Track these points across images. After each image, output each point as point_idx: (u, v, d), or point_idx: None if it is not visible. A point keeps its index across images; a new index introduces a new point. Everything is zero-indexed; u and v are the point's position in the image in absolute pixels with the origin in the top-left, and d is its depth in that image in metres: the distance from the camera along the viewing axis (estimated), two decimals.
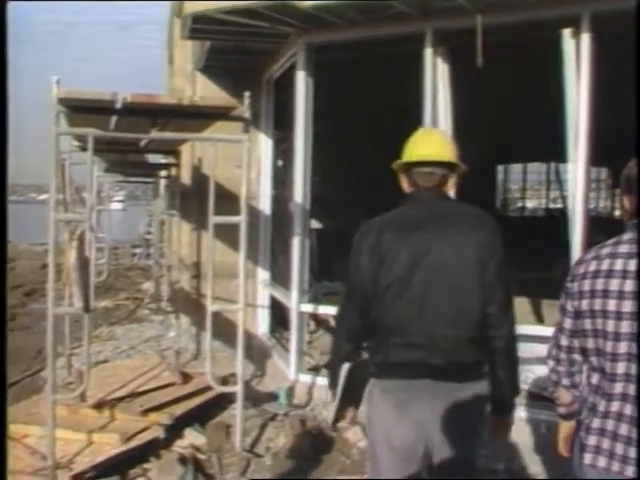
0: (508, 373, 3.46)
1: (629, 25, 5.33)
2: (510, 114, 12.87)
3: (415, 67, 6.85)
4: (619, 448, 2.91)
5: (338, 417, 3.73)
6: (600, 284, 2.97)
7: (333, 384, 3.63)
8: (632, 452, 2.86)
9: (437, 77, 6.83)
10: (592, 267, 3.03)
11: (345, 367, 3.54)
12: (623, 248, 2.96)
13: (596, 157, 6.62)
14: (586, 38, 6.09)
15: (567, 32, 6.10)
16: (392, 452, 3.50)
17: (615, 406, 2.95)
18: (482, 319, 3.38)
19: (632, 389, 2.88)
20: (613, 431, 2.94)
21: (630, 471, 2.85)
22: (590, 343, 3.05)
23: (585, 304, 3.03)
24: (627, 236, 2.99)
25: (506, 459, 5.62)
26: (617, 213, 33.59)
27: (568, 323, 3.16)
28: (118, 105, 5.76)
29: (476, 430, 3.52)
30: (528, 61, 7.36)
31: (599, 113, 6.21)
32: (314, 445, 6.12)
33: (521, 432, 5.93)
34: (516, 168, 32.32)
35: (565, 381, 3.23)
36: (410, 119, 7.21)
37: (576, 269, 3.13)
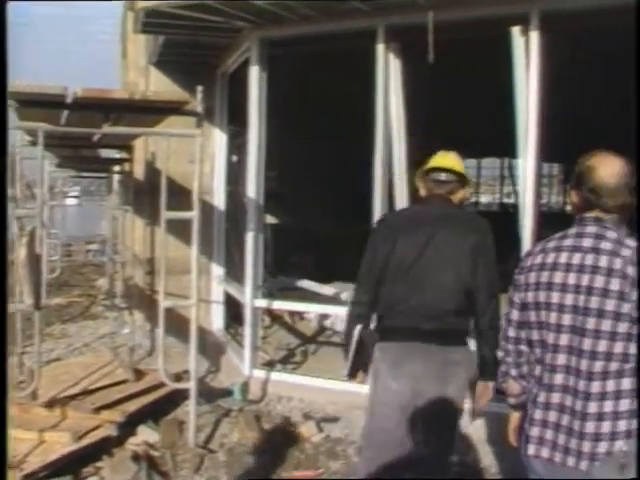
0: (491, 346, 3.86)
1: (578, 23, 5.45)
2: (464, 110, 12.97)
3: (368, 62, 6.88)
4: (561, 439, 2.97)
5: (351, 375, 4.37)
6: (545, 277, 3.04)
7: (347, 346, 4.29)
8: (573, 443, 2.92)
9: (389, 72, 6.87)
10: (538, 260, 3.10)
11: (357, 332, 4.21)
12: (568, 242, 3.03)
13: (548, 153, 6.72)
14: (535, 36, 6.17)
15: (516, 30, 6.18)
16: (388, 404, 4.14)
17: (556, 397, 3.00)
18: (467, 299, 4.10)
19: (572, 381, 2.94)
20: (555, 422, 3.00)
21: (571, 462, 2.91)
22: (535, 335, 3.11)
23: (531, 296, 3.10)
24: (572, 230, 3.06)
25: (460, 452, 5.66)
26: (569, 208, 34.11)
27: (515, 315, 3.22)
28: (68, 99, 5.70)
29: (460, 388, 4.17)
30: (480, 57, 7.44)
31: (550, 110, 6.30)
32: (268, 440, 6.13)
33: (475, 425, 6.03)
34: (470, 163, 32.69)
35: (513, 372, 3.28)
36: (363, 114, 7.26)
37: (524, 262, 3.21)
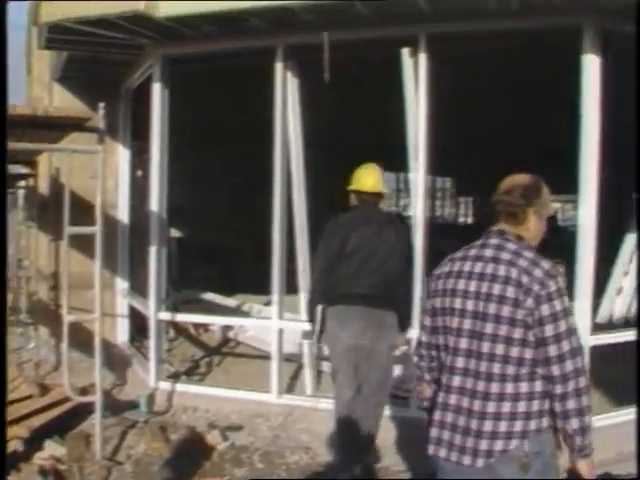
0: (405, 307, 5.85)
1: (462, 46, 5.77)
2: (361, 127, 13.25)
3: (268, 80, 7.09)
4: (457, 439, 3.13)
5: (319, 341, 5.84)
6: (451, 284, 3.23)
7: (311, 319, 5.78)
8: (470, 442, 3.08)
9: (287, 90, 7.12)
10: (447, 268, 3.31)
11: (319, 309, 5.69)
12: (473, 252, 3.24)
13: (440, 168, 7.03)
14: (423, 57, 6.51)
15: (406, 51, 6.50)
16: (339, 350, 5.53)
17: (453, 399, 3.17)
18: (396, 276, 5.59)
19: (470, 383, 3.11)
20: (452, 423, 3.16)
21: (467, 460, 3.07)
22: (441, 339, 3.29)
23: (439, 302, 3.29)
24: (479, 241, 3.27)
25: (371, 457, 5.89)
26: (461, 220, 35.03)
27: (428, 321, 3.39)
28: None
29: (390, 336, 5.59)
30: (375, 76, 7.73)
31: (440, 127, 6.62)
32: (175, 450, 6.23)
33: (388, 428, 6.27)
34: None
35: (426, 376, 3.45)
36: (263, 131, 7.45)
37: (436, 270, 3.40)
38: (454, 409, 3.17)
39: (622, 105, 6.48)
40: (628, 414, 6.50)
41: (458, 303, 3.18)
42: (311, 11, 6.30)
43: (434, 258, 5.56)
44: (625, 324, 8.58)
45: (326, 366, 8.03)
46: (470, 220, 32.82)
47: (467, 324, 3.14)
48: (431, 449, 3.24)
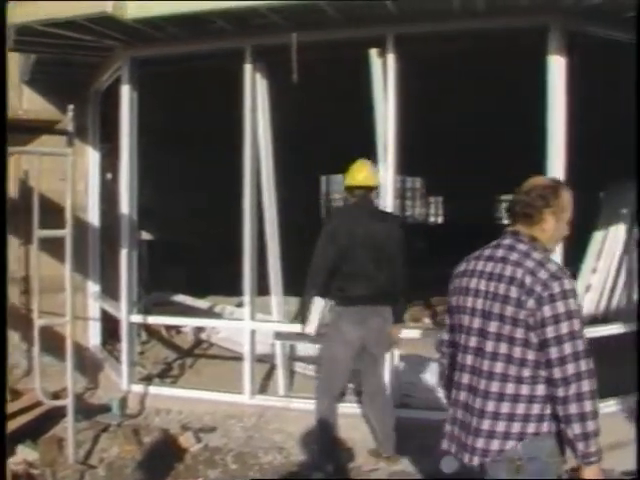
0: (402, 301, 6.04)
1: (430, 47, 5.83)
2: (330, 127, 13.29)
3: (237, 82, 7.11)
4: (463, 436, 3.20)
5: (309, 330, 6.16)
6: (465, 282, 3.29)
7: (305, 311, 6.00)
8: (470, 440, 3.15)
9: (256, 91, 7.15)
10: (463, 267, 3.37)
11: (312, 302, 6.02)
12: (487, 252, 3.29)
13: (409, 167, 7.09)
14: (391, 57, 6.57)
15: (374, 52, 6.56)
16: (344, 344, 5.73)
17: (462, 395, 3.24)
18: (391, 272, 5.76)
19: (475, 381, 3.17)
20: (461, 420, 3.23)
21: (466, 458, 3.16)
22: (457, 337, 3.35)
23: (454, 300, 3.36)
24: (494, 242, 3.32)
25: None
26: (432, 219, 35.21)
27: (448, 319, 3.46)
28: None
29: (386, 336, 5.90)
30: (344, 77, 7.77)
31: (409, 127, 6.67)
32: (148, 453, 6.22)
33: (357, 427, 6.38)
34: (338, 178, 33.65)
35: (448, 372, 3.50)
36: (233, 133, 7.47)
37: (455, 269, 3.45)
38: (462, 406, 3.24)
39: (587, 104, 6.57)
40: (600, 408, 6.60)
41: (470, 302, 3.24)
42: (278, 12, 6.32)
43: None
44: (593, 320, 8.72)
45: (299, 367, 8.08)
46: (440, 220, 32.93)
47: (476, 323, 3.20)
48: (444, 444, 3.33)
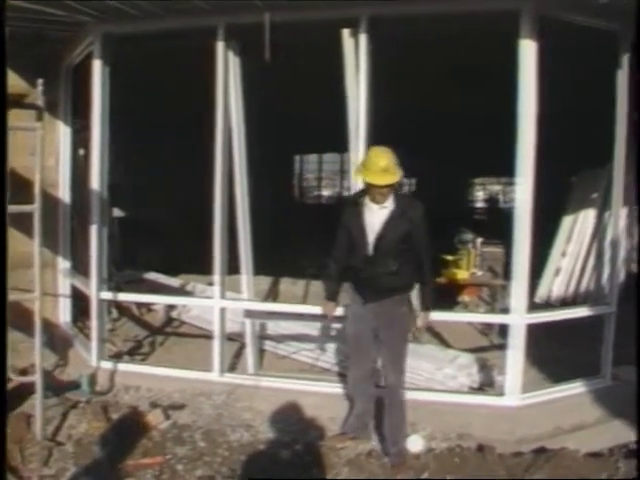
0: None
1: (403, 29, 5.83)
2: (304, 107, 13.26)
3: (210, 60, 7.08)
4: None
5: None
6: None
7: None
8: None
9: (229, 70, 7.15)
10: None
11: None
12: None
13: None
14: (364, 38, 6.57)
15: (346, 32, 6.56)
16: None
17: None
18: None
19: None
20: None
21: None
22: None
23: None
24: None
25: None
26: None
27: None
28: None
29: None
30: (318, 57, 7.74)
31: (381, 108, 6.69)
32: (116, 430, 6.25)
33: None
34: (312, 158, 33.73)
35: None
36: (205, 110, 7.45)
37: None
38: None
39: (558, 89, 6.62)
40: (564, 390, 6.73)
41: None
42: None
43: None
44: (562, 303, 8.84)
45: (269, 345, 8.14)
46: None
47: None
48: None
